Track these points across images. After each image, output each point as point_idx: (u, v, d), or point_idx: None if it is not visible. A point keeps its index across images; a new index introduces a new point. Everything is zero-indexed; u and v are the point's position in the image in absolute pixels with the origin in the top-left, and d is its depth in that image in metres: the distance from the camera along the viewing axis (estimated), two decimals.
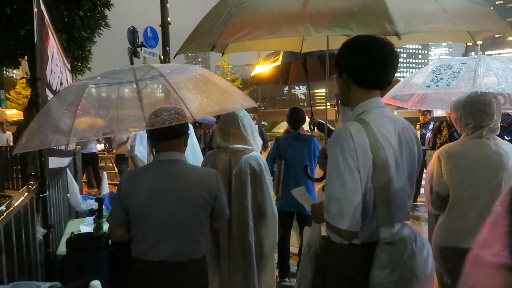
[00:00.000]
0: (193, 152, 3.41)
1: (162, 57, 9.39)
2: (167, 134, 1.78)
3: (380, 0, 1.12)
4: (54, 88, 3.02)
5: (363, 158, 1.32)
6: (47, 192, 2.67)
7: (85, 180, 8.48)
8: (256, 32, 1.24)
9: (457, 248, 1.96)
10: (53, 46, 3.14)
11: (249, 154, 2.42)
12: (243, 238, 2.39)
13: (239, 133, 2.42)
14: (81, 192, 4.78)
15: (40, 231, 2.50)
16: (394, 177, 1.37)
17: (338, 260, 1.46)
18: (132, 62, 2.26)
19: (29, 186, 2.49)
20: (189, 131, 3.54)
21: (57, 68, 3.24)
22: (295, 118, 3.55)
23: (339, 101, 3.47)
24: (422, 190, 6.59)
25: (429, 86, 2.34)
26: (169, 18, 9.18)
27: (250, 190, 2.39)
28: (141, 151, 4.18)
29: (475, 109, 1.96)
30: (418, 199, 6.86)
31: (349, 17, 1.15)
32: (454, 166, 1.97)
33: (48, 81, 2.84)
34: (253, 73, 4.51)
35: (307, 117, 3.73)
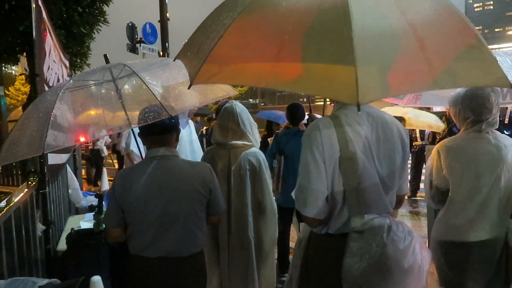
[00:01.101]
0: (192, 149, 3.41)
1: (161, 53, 9.37)
2: (157, 129, 1.79)
3: (349, 64, 0.95)
4: (51, 84, 3.01)
5: (329, 150, 1.41)
6: (47, 188, 2.68)
7: (85, 177, 8.50)
8: (227, 77, 1.23)
9: (457, 241, 1.97)
10: (50, 42, 3.13)
11: (248, 150, 2.42)
12: (243, 234, 2.39)
13: (238, 129, 2.42)
14: (81, 188, 4.79)
15: (40, 228, 2.50)
16: (363, 169, 1.42)
17: (318, 249, 1.54)
18: (107, 62, 2.22)
19: (29, 183, 2.49)
20: (189, 128, 3.53)
21: (54, 64, 3.23)
22: (295, 114, 3.55)
23: None
24: (421, 185, 6.61)
25: None
26: (168, 14, 9.15)
27: (249, 186, 2.39)
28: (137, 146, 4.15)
29: (474, 103, 1.95)
30: (417, 194, 6.88)
31: (316, 80, 1.04)
32: (454, 160, 1.97)
33: (45, 78, 2.84)
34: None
35: (306, 114, 3.73)
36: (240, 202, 2.39)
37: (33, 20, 2.47)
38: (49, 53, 3.03)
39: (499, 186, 1.91)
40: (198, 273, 1.86)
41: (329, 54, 1.04)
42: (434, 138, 6.07)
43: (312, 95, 1.23)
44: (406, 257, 1.40)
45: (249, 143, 2.44)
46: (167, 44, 9.25)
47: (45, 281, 1.66)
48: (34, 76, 2.54)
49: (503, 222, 1.94)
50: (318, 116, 3.75)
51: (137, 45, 9.25)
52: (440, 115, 6.50)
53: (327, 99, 3.86)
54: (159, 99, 1.85)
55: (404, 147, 1.54)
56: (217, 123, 2.53)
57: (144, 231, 1.75)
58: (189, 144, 3.41)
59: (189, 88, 1.21)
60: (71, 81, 2.07)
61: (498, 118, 1.99)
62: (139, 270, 1.77)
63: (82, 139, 2.11)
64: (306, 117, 3.75)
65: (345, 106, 1.52)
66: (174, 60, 1.54)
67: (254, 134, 2.51)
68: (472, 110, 1.97)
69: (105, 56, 2.22)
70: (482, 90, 1.97)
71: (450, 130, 5.66)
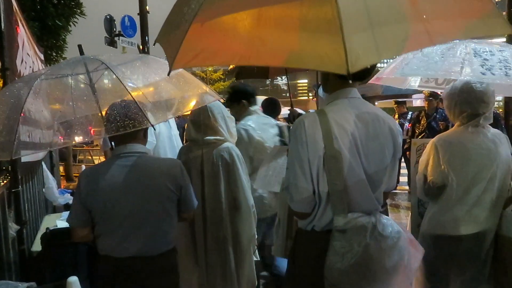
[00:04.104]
0: (172, 145, 3.33)
1: (141, 46, 9.15)
2: (123, 126, 1.68)
3: (336, 31, 0.89)
4: None
5: (314, 148, 1.40)
6: (20, 187, 2.58)
7: (63, 174, 8.27)
8: (208, 59, 1.17)
9: (451, 235, 1.98)
10: (23, 35, 3.00)
11: (221, 145, 2.36)
12: (218, 231, 2.35)
13: (210, 123, 2.35)
14: (59, 186, 4.65)
15: (13, 227, 2.41)
16: (349, 167, 1.40)
17: (304, 245, 1.54)
18: (81, 53, 2.05)
19: (0, 181, 2.39)
20: (168, 122, 3.45)
21: (28, 57, 3.11)
22: (270, 108, 3.56)
23: (317, 92, 3.49)
24: (401, 179, 6.73)
25: (484, 74, 2.09)
26: (147, 7, 8.93)
27: (223, 182, 2.35)
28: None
29: (472, 97, 1.94)
30: (397, 187, 7.01)
31: (302, 52, 1.00)
32: (453, 155, 1.96)
33: (18, 71, 2.72)
34: (231, 65, 4.43)
35: (287, 108, 3.74)
36: (215, 200, 2.34)
37: (1, 11, 2.36)
38: (23, 45, 2.91)
39: (495, 180, 1.94)
40: (170, 272, 1.81)
41: (312, 23, 0.99)
42: (413, 132, 6.14)
43: (300, 68, 1.16)
44: (390, 256, 1.38)
45: (222, 138, 2.38)
46: (146, 38, 9.01)
47: (25, 284, 1.60)
48: (4, 70, 2.42)
49: (495, 215, 1.96)
50: (299, 111, 3.76)
51: (116, 38, 9.00)
52: (419, 109, 6.61)
53: (310, 94, 3.84)
54: (141, 109, 1.71)
55: (396, 144, 1.51)
56: (189, 119, 2.46)
57: (113, 231, 1.70)
58: (169, 139, 3.32)
59: (168, 74, 1.15)
60: (42, 76, 1.93)
61: (492, 113, 2.00)
62: (110, 271, 1.72)
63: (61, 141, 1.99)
64: (288, 111, 3.75)
65: (333, 102, 1.49)
66: (154, 44, 1.46)
67: (230, 129, 2.45)
68: (469, 104, 1.95)
69: (79, 46, 2.06)
70: (480, 84, 1.96)
71: (429, 125, 5.77)
